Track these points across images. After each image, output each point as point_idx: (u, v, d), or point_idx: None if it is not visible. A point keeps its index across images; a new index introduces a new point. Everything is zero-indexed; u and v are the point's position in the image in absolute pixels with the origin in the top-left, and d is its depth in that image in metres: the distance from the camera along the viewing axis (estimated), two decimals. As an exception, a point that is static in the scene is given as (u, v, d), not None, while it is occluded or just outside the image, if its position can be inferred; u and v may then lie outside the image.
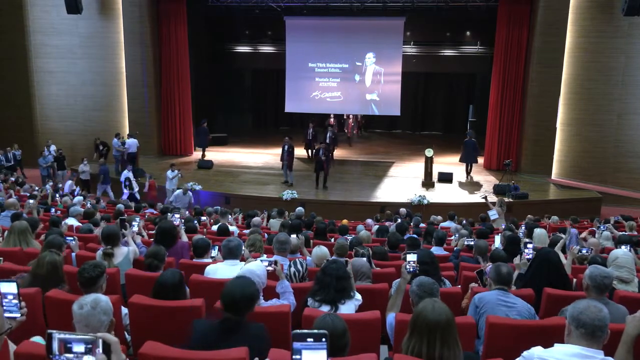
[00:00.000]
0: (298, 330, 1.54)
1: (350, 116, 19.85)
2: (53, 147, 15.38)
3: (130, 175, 13.07)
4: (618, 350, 2.45)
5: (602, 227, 7.88)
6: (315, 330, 1.54)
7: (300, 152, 16.02)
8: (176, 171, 12.81)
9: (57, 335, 1.44)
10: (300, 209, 9.88)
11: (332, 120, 18.89)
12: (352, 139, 19.67)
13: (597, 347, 2.16)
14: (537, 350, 2.27)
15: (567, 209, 11.95)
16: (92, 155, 15.36)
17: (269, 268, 3.43)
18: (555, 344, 2.26)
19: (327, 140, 14.51)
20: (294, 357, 1.50)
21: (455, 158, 15.85)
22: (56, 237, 4.23)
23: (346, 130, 19.68)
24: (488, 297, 3.32)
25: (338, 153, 17.29)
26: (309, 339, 1.52)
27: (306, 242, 5.57)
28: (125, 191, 13.02)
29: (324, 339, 1.52)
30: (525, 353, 2.34)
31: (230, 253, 4.07)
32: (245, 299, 2.56)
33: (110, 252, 4.26)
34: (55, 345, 1.44)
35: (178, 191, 11.94)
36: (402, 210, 10.36)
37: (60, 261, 3.36)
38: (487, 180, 14.31)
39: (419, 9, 17.49)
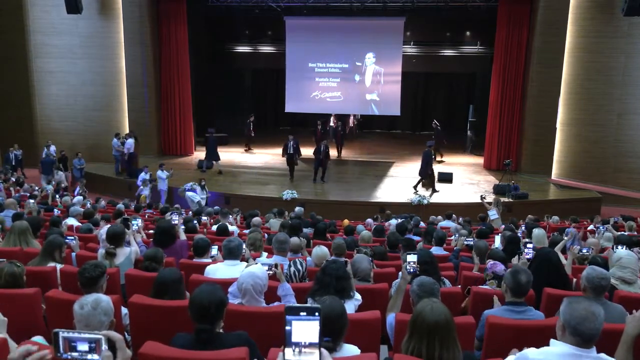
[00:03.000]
0: (291, 304, 1.54)
1: (339, 123, 18.04)
2: (53, 148, 15.38)
3: (147, 177, 13.00)
4: (618, 350, 2.45)
5: (601, 228, 7.88)
6: (308, 305, 1.53)
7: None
8: (166, 171, 12.82)
9: (62, 334, 1.46)
10: (299, 208, 9.88)
11: (319, 128, 17.06)
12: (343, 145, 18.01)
13: (590, 346, 2.15)
14: (530, 352, 2.23)
15: (567, 209, 11.94)
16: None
17: (269, 272, 3.43)
18: (551, 340, 2.24)
19: (321, 156, 13.64)
20: (285, 328, 1.50)
21: (456, 158, 15.88)
22: (57, 237, 4.23)
23: (334, 140, 17.50)
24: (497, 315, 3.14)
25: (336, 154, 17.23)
26: (302, 313, 1.51)
27: (306, 243, 5.57)
28: (199, 195, 12.18)
29: (316, 313, 1.51)
30: (518, 354, 2.30)
31: (231, 253, 4.07)
32: (215, 304, 2.47)
33: (112, 252, 4.26)
34: (61, 344, 1.45)
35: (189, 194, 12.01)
36: (369, 220, 9.65)
37: (19, 272, 3.31)
38: (487, 180, 14.31)
39: (419, 9, 17.49)
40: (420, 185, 13.55)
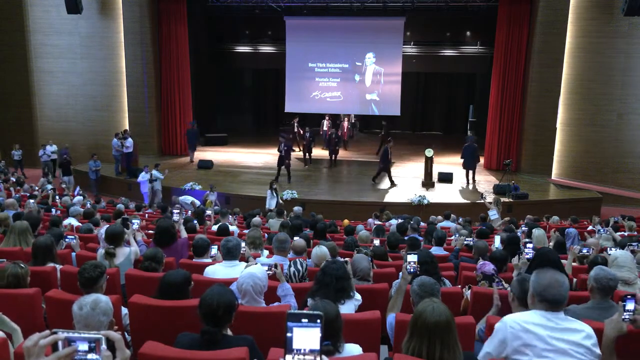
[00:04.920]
0: (292, 311, 1.54)
1: (333, 130, 16.69)
2: (49, 148, 15.33)
3: (148, 176, 12.96)
4: (602, 354, 2.46)
5: (602, 230, 7.86)
6: (309, 311, 1.54)
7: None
8: (160, 172, 12.82)
9: (62, 334, 1.46)
10: (298, 208, 9.89)
11: (307, 134, 15.78)
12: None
13: (558, 310, 2.33)
14: (508, 317, 2.40)
15: (567, 209, 11.95)
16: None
17: (269, 272, 3.43)
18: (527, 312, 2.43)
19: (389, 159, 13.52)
20: (286, 334, 1.50)
21: (456, 158, 15.85)
22: (44, 238, 4.11)
23: (327, 147, 16.64)
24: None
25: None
26: (303, 320, 1.51)
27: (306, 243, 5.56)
28: (269, 198, 11.66)
29: (318, 320, 1.51)
30: (497, 324, 2.42)
31: (229, 253, 4.04)
32: (223, 307, 2.47)
33: (112, 252, 4.25)
34: (60, 344, 1.46)
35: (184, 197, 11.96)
36: (369, 220, 9.73)
37: (22, 273, 3.29)
38: (487, 180, 14.31)
39: (419, 9, 17.51)
40: (421, 185, 13.59)
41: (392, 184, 13.61)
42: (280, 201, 11.82)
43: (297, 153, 16.46)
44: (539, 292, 2.34)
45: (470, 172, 13.98)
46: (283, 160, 13.79)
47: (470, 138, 14.16)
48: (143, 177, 12.95)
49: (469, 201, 12.56)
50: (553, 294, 2.30)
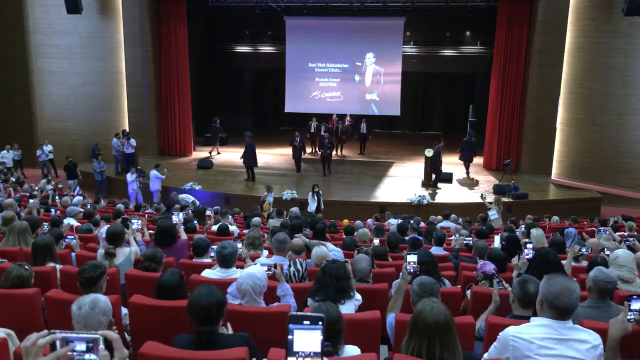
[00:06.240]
0: (294, 313, 1.54)
1: (327, 134, 15.45)
2: (46, 148, 15.30)
3: (134, 177, 12.94)
4: (606, 353, 2.46)
5: (602, 230, 7.86)
6: (311, 313, 1.53)
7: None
8: (159, 172, 12.82)
9: (59, 334, 1.46)
10: (295, 209, 9.89)
11: (298, 139, 14.83)
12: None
13: (567, 319, 2.31)
14: (510, 329, 2.39)
15: (567, 209, 11.95)
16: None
17: (269, 272, 3.42)
18: (532, 318, 2.44)
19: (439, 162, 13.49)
20: (288, 337, 1.50)
21: (456, 158, 15.83)
22: (42, 238, 4.12)
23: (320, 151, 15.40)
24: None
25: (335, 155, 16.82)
26: (305, 322, 1.51)
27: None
28: (310, 202, 11.57)
29: (320, 322, 1.51)
30: (500, 335, 2.42)
31: (224, 260, 3.94)
32: (215, 306, 2.47)
33: (112, 252, 4.25)
34: (58, 344, 1.46)
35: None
36: (369, 220, 9.73)
37: (27, 275, 3.29)
38: (487, 180, 14.31)
39: (419, 9, 17.51)
40: (421, 185, 13.59)
41: (433, 184, 13.69)
42: (322, 206, 11.64)
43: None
44: (549, 300, 2.31)
45: (466, 164, 14.60)
46: (245, 159, 14.01)
47: (470, 133, 14.77)
48: (130, 177, 12.95)
49: (468, 201, 12.55)
50: (564, 303, 2.27)
